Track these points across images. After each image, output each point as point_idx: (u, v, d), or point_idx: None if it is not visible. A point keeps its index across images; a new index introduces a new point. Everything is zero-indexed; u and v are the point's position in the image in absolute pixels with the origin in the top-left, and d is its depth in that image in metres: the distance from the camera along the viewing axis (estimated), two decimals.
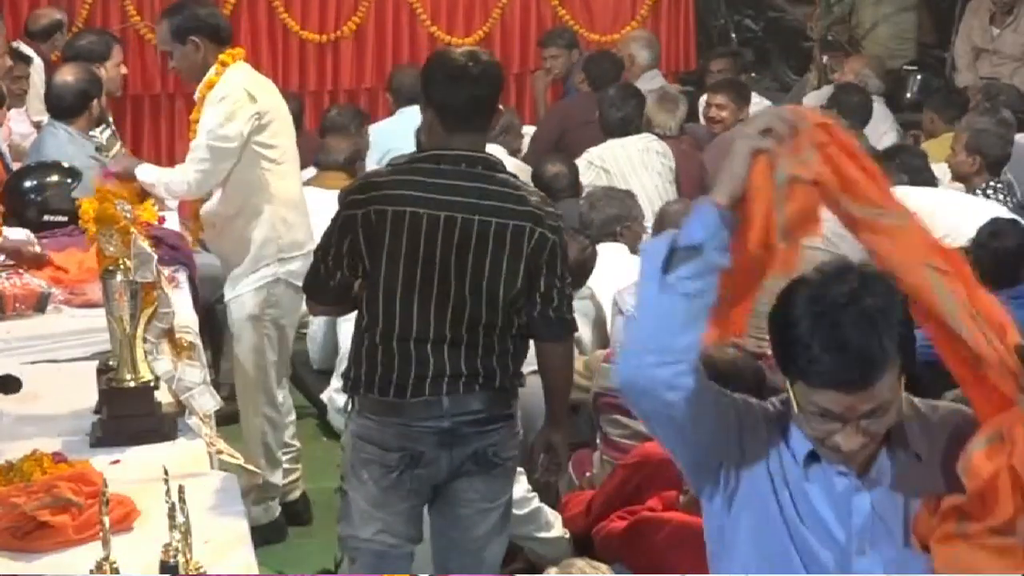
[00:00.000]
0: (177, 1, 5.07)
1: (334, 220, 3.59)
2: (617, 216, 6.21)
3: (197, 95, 5.02)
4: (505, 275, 3.52)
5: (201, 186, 4.96)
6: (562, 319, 3.67)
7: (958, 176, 6.69)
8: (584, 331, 5.48)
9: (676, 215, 5.68)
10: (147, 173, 5.12)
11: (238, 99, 4.86)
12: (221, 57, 4.95)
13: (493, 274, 3.52)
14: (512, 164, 7.38)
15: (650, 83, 8.63)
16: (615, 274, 5.80)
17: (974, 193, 6.53)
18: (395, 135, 7.39)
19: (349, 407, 3.73)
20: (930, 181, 6.44)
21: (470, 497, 3.66)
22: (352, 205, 3.54)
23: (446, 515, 3.70)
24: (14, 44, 7.84)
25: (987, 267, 5.41)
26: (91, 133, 6.54)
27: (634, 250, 6.11)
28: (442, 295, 3.51)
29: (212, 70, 4.92)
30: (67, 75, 6.28)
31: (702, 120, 8.90)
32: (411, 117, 7.82)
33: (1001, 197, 6.48)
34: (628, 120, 7.44)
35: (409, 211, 3.48)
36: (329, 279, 3.59)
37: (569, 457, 4.95)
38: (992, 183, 6.54)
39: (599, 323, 5.57)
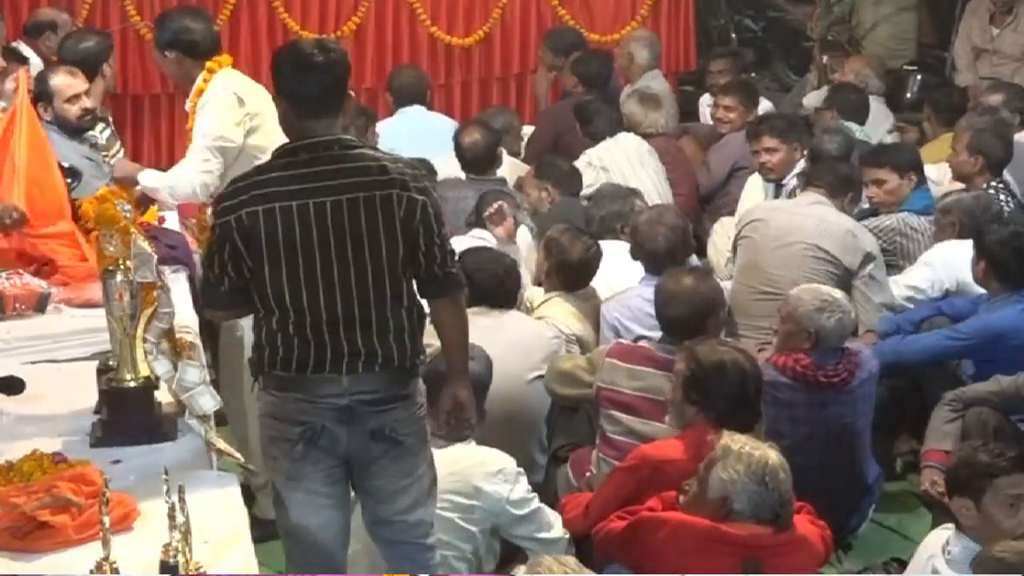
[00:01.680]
0: (164, 11, 5.16)
1: (212, 230, 3.66)
2: (619, 213, 6.22)
3: (188, 105, 5.12)
4: (385, 244, 3.62)
5: (207, 188, 4.99)
6: (448, 274, 3.76)
7: (960, 176, 6.68)
8: (587, 330, 5.49)
9: (647, 225, 5.65)
10: (150, 179, 5.19)
11: (227, 101, 4.97)
12: (208, 65, 5.07)
13: (373, 247, 3.61)
14: (510, 163, 7.42)
15: (651, 83, 8.64)
16: (615, 271, 5.81)
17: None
18: (396, 135, 7.40)
19: (255, 387, 3.78)
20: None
21: (383, 479, 3.74)
22: (224, 212, 3.60)
23: (366, 492, 3.78)
24: (14, 44, 7.83)
25: (1013, 267, 5.42)
26: (90, 133, 6.55)
27: None
28: (328, 279, 3.59)
29: (200, 78, 5.05)
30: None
31: (702, 119, 8.91)
32: (411, 117, 7.84)
33: (1003, 197, 6.48)
34: (617, 120, 7.51)
35: (278, 206, 3.56)
36: (219, 285, 3.65)
37: (566, 457, 4.97)
38: (993, 183, 6.54)
39: (598, 321, 5.58)
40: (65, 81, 6.19)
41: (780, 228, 5.83)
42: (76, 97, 6.16)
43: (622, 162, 7.27)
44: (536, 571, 3.20)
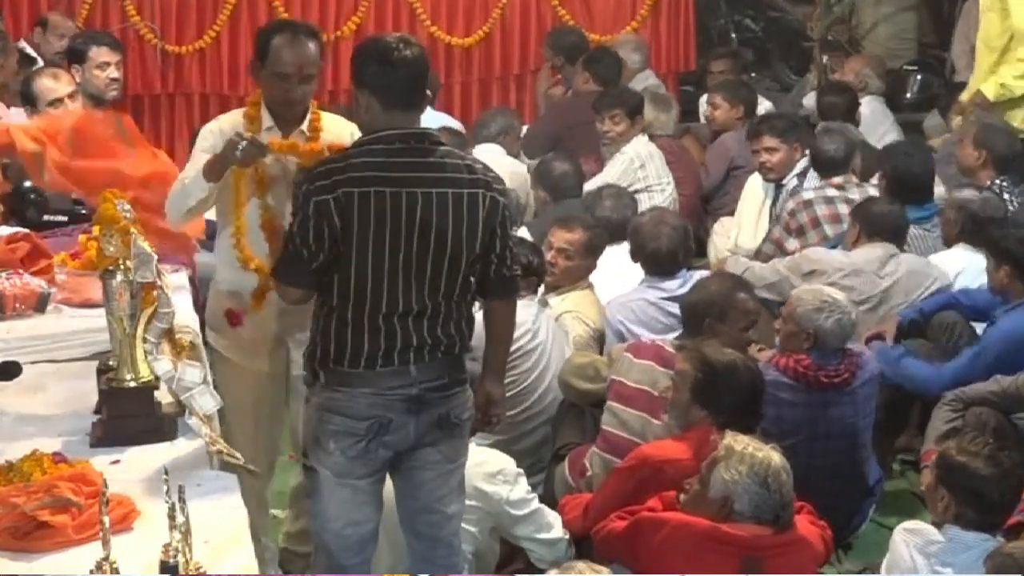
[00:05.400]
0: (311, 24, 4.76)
1: (304, 207, 3.64)
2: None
3: (307, 129, 4.32)
4: (466, 241, 3.69)
5: None
6: (514, 277, 3.89)
7: (963, 170, 6.68)
8: (604, 324, 5.52)
9: (650, 225, 5.66)
10: None
11: None
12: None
13: (455, 242, 3.68)
14: (509, 163, 7.42)
15: (644, 83, 8.65)
16: (616, 274, 5.82)
17: (979, 190, 6.51)
18: None
19: (312, 381, 3.79)
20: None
21: (434, 459, 3.80)
22: (320, 191, 3.61)
23: (411, 480, 3.83)
24: (19, 45, 7.83)
25: None
26: None
27: None
28: (408, 269, 3.65)
29: (311, 109, 4.40)
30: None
31: (703, 120, 8.92)
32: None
33: (1007, 196, 6.47)
34: None
35: (373, 191, 3.61)
36: (312, 262, 3.65)
37: (566, 456, 4.96)
38: (998, 180, 6.53)
39: (603, 314, 5.61)
40: (47, 85, 6.24)
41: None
42: (59, 101, 6.19)
43: (657, 159, 7.31)
44: (568, 572, 3.21)
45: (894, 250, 5.77)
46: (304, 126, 4.34)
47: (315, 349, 3.75)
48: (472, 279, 3.78)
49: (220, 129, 4.37)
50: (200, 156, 4.30)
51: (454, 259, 3.68)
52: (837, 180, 6.58)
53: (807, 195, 6.53)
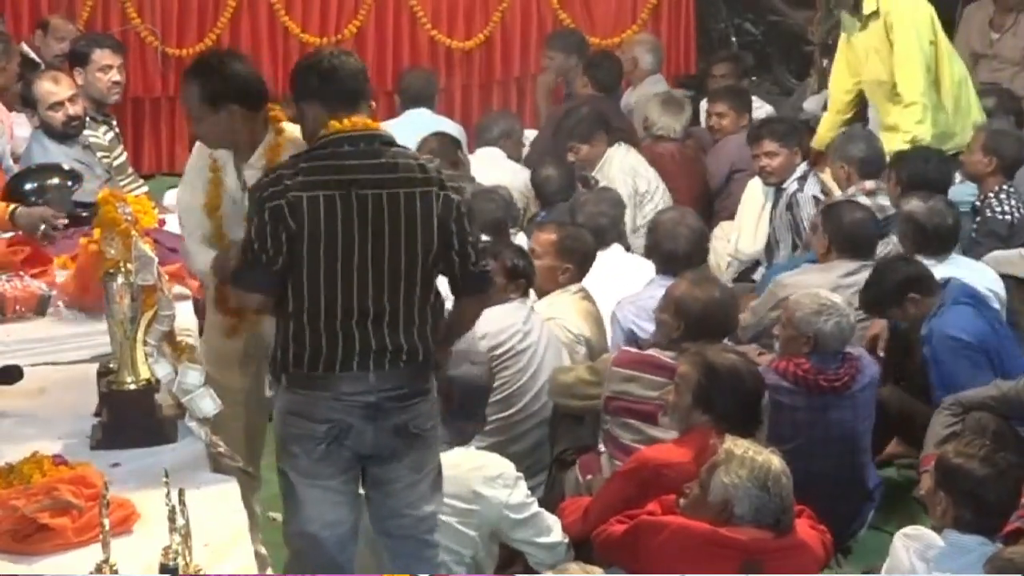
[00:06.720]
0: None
1: (259, 213, 3.64)
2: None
3: (256, 160, 4.18)
4: (421, 240, 3.69)
5: None
6: (483, 272, 3.87)
7: (972, 176, 6.67)
8: (593, 331, 5.50)
9: (669, 224, 5.67)
10: None
11: None
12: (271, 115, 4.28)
13: (410, 241, 3.68)
14: (511, 167, 7.43)
15: (653, 87, 8.64)
16: (611, 273, 5.82)
17: (986, 196, 6.50)
18: (402, 136, 7.35)
19: (276, 384, 3.80)
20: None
21: (400, 473, 3.80)
22: (273, 196, 3.63)
23: (379, 491, 3.83)
24: (20, 47, 7.84)
25: None
26: (91, 135, 6.57)
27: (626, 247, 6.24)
28: (363, 270, 3.65)
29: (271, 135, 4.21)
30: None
31: (703, 124, 8.93)
32: (417, 117, 7.82)
33: (1013, 202, 6.47)
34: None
35: (322, 194, 3.62)
36: (272, 265, 3.64)
37: (572, 461, 4.96)
38: (1004, 187, 6.52)
39: (599, 322, 5.59)
40: (47, 88, 6.28)
41: None
42: (59, 104, 6.22)
43: (641, 167, 7.31)
44: (562, 574, 3.21)
45: (865, 261, 5.70)
46: (254, 157, 4.17)
47: (277, 352, 3.75)
48: (434, 282, 3.76)
49: (193, 166, 4.39)
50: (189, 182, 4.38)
51: (410, 260, 3.68)
52: (869, 185, 6.54)
53: (839, 199, 6.47)
